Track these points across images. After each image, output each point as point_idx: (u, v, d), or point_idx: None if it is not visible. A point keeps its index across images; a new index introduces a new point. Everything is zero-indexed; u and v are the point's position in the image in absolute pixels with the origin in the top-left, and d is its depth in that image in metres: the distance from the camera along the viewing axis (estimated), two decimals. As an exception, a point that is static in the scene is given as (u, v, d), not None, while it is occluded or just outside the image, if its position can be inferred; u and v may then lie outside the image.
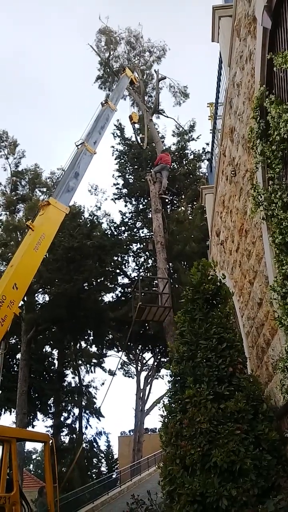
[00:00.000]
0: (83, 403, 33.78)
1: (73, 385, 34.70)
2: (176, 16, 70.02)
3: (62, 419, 33.24)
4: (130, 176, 30.87)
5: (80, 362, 34.70)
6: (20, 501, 8.84)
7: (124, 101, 28.76)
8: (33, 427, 30.75)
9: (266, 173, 5.23)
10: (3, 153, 32.37)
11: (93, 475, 33.97)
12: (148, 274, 29.54)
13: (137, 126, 22.55)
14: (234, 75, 7.11)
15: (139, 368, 35.91)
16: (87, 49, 31.68)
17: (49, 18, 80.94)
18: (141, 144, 24.40)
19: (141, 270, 30.63)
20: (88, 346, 34.00)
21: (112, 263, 30.02)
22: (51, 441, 10.40)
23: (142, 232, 30.58)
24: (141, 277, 19.69)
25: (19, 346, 27.78)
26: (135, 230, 30.83)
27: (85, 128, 15.14)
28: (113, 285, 31.10)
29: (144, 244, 27.68)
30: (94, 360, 34.14)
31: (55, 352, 33.90)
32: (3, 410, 29.30)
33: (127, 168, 30.95)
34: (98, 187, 32.49)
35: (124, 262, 31.44)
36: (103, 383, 35.86)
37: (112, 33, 31.20)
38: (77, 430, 33.64)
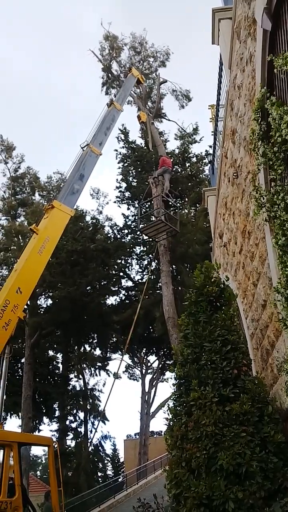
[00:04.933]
0: (88, 407, 33.71)
1: (77, 388, 34.69)
2: (178, 18, 70.29)
3: (67, 423, 33.21)
4: (133, 179, 30.92)
5: (84, 365, 34.69)
6: (26, 506, 8.83)
7: (130, 106, 28.85)
8: (39, 431, 30.74)
9: (268, 175, 5.23)
10: (1, 158, 32.53)
11: (99, 479, 33.86)
12: (152, 277, 29.50)
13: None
14: (235, 77, 7.12)
15: (144, 371, 35.88)
16: (93, 58, 31.56)
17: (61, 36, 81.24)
18: (147, 146, 24.51)
19: (144, 273, 30.59)
20: (92, 350, 34.02)
21: (116, 266, 30.04)
22: (55, 445, 10.39)
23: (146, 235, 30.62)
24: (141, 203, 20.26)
25: (23, 351, 27.81)
26: (138, 232, 30.87)
27: (90, 129, 15.14)
28: (116, 288, 31.11)
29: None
30: (98, 364, 34.12)
31: (59, 355, 33.92)
32: (8, 414, 29.29)
33: (130, 171, 31.00)
34: (100, 190, 32.62)
35: (127, 265, 31.48)
36: (104, 383, 35.84)
37: (115, 39, 31.20)
38: (82, 434, 33.59)
